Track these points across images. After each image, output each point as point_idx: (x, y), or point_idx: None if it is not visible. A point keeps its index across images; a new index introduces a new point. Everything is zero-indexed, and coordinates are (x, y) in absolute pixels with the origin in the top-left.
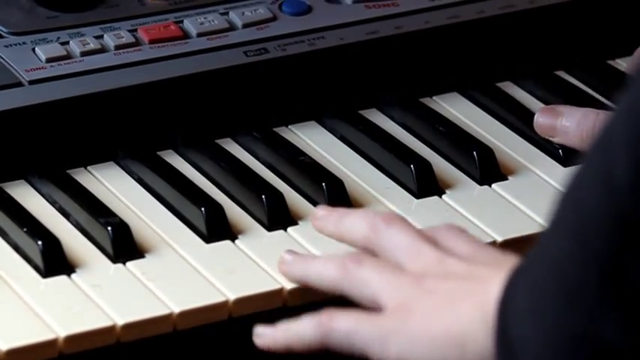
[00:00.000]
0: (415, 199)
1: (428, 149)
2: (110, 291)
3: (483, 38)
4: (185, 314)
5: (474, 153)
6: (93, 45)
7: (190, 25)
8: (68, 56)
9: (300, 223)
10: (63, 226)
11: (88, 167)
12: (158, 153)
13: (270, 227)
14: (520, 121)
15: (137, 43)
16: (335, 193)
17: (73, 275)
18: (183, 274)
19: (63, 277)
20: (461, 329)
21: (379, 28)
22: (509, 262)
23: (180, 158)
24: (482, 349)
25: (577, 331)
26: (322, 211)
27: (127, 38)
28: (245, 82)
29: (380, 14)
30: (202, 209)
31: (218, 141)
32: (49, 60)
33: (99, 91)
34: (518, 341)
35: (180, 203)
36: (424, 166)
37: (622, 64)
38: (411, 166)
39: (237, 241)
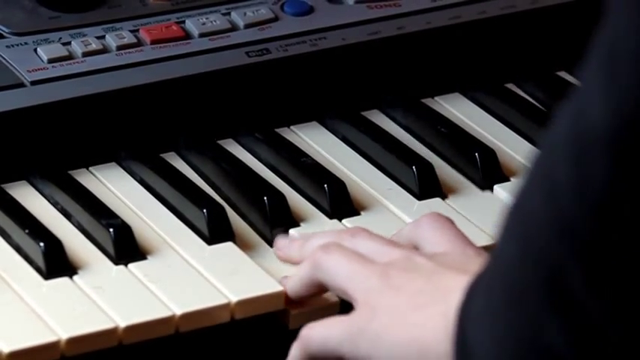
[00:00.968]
0: (417, 201)
1: (430, 151)
2: (112, 293)
3: (485, 39)
4: (187, 316)
5: (476, 154)
6: (95, 45)
7: (192, 25)
8: (70, 57)
9: (301, 224)
10: (65, 228)
11: (90, 168)
12: (160, 154)
13: (271, 228)
14: (522, 122)
15: (139, 43)
16: (337, 194)
17: (75, 277)
18: (185, 275)
19: (65, 279)
20: (424, 336)
21: (381, 29)
22: (476, 264)
23: (182, 159)
24: (445, 357)
25: (523, 337)
26: (282, 240)
27: (128, 39)
28: (247, 83)
29: (382, 15)
30: (204, 211)
31: (220, 142)
32: (51, 60)
33: (101, 92)
34: (474, 346)
35: (182, 204)
36: (426, 167)
37: None
38: (413, 167)
39: (238, 243)
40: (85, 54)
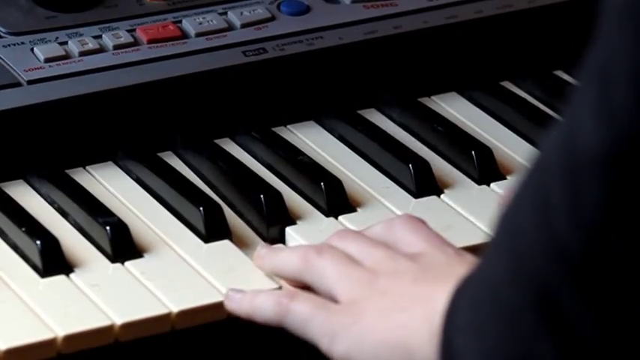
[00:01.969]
0: (414, 199)
1: (426, 149)
2: (109, 290)
3: (482, 38)
4: (183, 314)
5: (473, 153)
6: (91, 45)
7: (189, 25)
8: (67, 56)
9: (298, 222)
10: (61, 226)
11: (87, 167)
12: (157, 153)
13: (268, 227)
14: (519, 121)
15: (136, 43)
16: (333, 192)
17: (72, 275)
18: (181, 273)
19: (61, 277)
20: (409, 337)
21: (378, 28)
22: (459, 265)
23: (179, 158)
24: (429, 358)
25: (514, 354)
26: (262, 250)
27: (125, 38)
28: (244, 82)
29: (378, 14)
30: (201, 209)
31: (216, 141)
32: (47, 60)
33: (97, 91)
34: (462, 355)
35: (178, 203)
36: (423, 165)
37: None
38: (410, 165)
39: (235, 241)
40: (82, 53)
